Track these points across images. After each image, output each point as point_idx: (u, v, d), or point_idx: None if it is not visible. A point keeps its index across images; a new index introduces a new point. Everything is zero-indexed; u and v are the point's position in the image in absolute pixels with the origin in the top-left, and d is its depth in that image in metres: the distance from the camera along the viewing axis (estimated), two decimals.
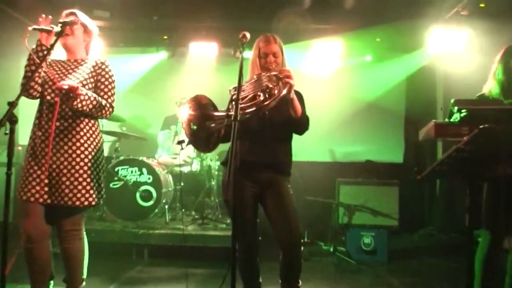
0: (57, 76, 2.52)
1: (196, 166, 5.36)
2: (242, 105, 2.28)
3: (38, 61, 2.36)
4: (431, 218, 6.06)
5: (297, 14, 5.23)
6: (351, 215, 4.91)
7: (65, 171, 2.48)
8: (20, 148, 5.65)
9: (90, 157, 2.56)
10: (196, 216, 5.17)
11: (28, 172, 2.48)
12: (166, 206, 4.86)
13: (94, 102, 2.49)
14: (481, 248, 2.65)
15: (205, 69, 6.35)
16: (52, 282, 2.65)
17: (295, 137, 2.69)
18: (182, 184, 5.01)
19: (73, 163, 2.49)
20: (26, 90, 2.43)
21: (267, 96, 2.31)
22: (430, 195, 6.25)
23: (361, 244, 4.68)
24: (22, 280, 2.84)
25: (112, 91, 2.65)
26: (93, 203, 2.57)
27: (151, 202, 4.62)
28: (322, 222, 5.26)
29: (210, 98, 2.45)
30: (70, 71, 2.58)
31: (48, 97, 2.51)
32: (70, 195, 2.47)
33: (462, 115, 2.20)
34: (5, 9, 5.32)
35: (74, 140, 2.52)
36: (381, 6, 5.15)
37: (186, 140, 3.26)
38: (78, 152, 2.51)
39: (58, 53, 2.65)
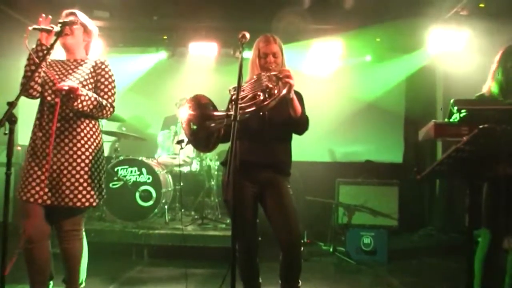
0: (57, 76, 2.52)
1: (195, 166, 5.37)
2: (242, 105, 2.28)
3: (38, 61, 2.36)
4: (431, 218, 6.06)
5: (297, 14, 5.23)
6: (351, 215, 4.91)
7: (65, 172, 2.47)
8: (19, 148, 5.65)
9: (90, 157, 2.55)
10: (196, 216, 5.18)
11: (28, 173, 2.48)
12: (166, 206, 4.86)
13: (95, 103, 2.49)
14: (481, 248, 2.65)
15: (205, 69, 6.35)
16: (51, 282, 2.64)
17: (295, 137, 2.68)
18: (181, 184, 5.00)
19: (74, 164, 2.49)
20: (25, 90, 2.43)
21: (267, 96, 2.31)
22: (430, 195, 6.25)
23: (360, 244, 4.68)
24: (21, 280, 2.84)
25: (113, 91, 2.65)
26: (94, 203, 2.57)
27: (150, 202, 4.62)
28: (322, 222, 5.25)
29: (209, 98, 2.44)
30: (70, 71, 2.57)
31: (49, 98, 2.51)
32: (71, 196, 2.47)
33: (461, 115, 2.20)
34: (5, 10, 5.32)
35: (74, 141, 2.52)
36: (381, 6, 5.15)
37: (186, 139, 3.26)
38: (79, 153, 2.51)
39: (58, 53, 2.65)
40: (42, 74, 2.50)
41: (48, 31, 2.42)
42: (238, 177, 2.09)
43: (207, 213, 5.21)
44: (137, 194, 4.61)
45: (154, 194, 4.62)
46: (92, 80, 2.59)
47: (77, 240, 2.59)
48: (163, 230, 4.54)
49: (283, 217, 2.52)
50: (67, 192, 2.46)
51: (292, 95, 2.40)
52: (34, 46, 2.44)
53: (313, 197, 5.27)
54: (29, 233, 2.43)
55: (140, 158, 4.75)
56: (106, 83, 2.62)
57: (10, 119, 2.07)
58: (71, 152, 2.50)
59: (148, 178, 4.64)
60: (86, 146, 2.55)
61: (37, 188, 2.45)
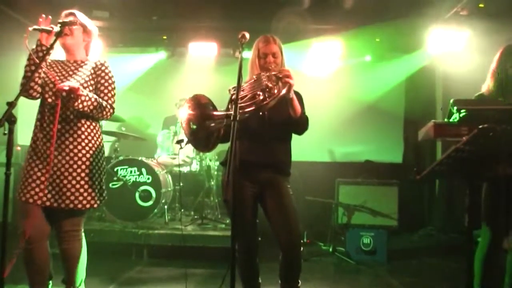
0: (57, 78, 2.51)
1: (195, 166, 5.36)
2: (242, 104, 2.28)
3: (37, 61, 2.36)
4: (431, 218, 6.07)
5: (297, 14, 5.23)
6: (350, 215, 4.91)
7: (66, 173, 2.47)
8: (19, 148, 5.65)
9: (91, 159, 2.55)
10: (196, 216, 5.18)
11: (28, 173, 2.47)
12: (166, 206, 4.86)
13: (95, 103, 2.49)
14: (480, 248, 2.65)
15: (205, 69, 6.36)
16: (51, 282, 2.64)
17: (295, 137, 2.68)
18: (181, 184, 5.00)
19: (75, 165, 2.49)
20: (25, 90, 2.43)
21: (266, 95, 2.31)
22: (430, 195, 6.25)
23: (360, 244, 4.68)
24: (21, 281, 2.84)
25: (113, 92, 2.64)
26: (95, 205, 2.57)
27: (150, 202, 4.61)
28: (322, 222, 5.26)
29: (209, 98, 2.44)
30: (70, 72, 2.57)
31: (49, 100, 2.51)
32: (72, 197, 2.47)
33: (461, 115, 2.20)
34: (4, 10, 5.32)
35: (75, 143, 2.51)
36: (381, 6, 5.15)
37: (185, 139, 3.26)
38: (80, 155, 2.51)
39: (58, 54, 2.65)
40: (43, 75, 2.50)
41: (48, 32, 2.42)
42: (238, 177, 2.08)
43: (206, 213, 5.21)
44: (137, 194, 4.61)
45: (153, 194, 4.61)
46: (92, 82, 2.59)
47: (77, 240, 2.58)
48: (162, 230, 4.54)
49: (283, 217, 2.51)
50: (68, 194, 2.46)
51: (292, 94, 2.40)
52: (34, 46, 2.44)
53: (313, 197, 5.28)
54: (28, 234, 2.42)
55: (139, 158, 4.75)
56: (106, 84, 2.62)
57: (10, 119, 2.07)
58: (72, 154, 2.49)
59: (148, 178, 4.64)
60: (87, 148, 2.54)
61: (37, 189, 2.44)
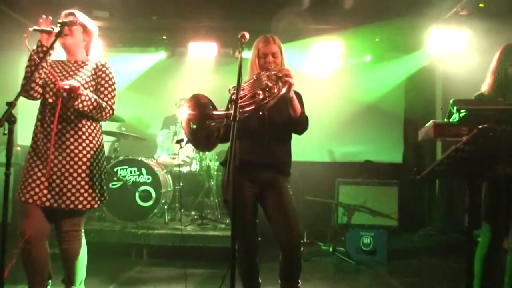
0: (58, 78, 2.51)
1: (195, 166, 5.36)
2: (242, 104, 2.28)
3: (38, 61, 2.35)
4: (431, 218, 6.07)
5: (297, 14, 5.23)
6: (350, 215, 4.91)
7: (67, 174, 2.47)
8: (19, 148, 5.65)
9: (92, 159, 2.55)
10: (196, 216, 5.18)
11: (28, 174, 2.47)
12: (166, 206, 4.86)
13: (95, 104, 2.49)
14: (480, 248, 2.65)
15: (204, 69, 6.36)
16: (50, 282, 2.64)
17: (294, 137, 2.68)
18: (181, 184, 5.00)
19: (75, 166, 2.49)
20: (26, 91, 2.43)
21: (266, 94, 2.31)
22: (430, 195, 6.25)
23: (360, 244, 4.68)
24: (21, 281, 2.83)
25: (113, 93, 2.64)
26: (96, 205, 2.57)
27: (150, 202, 4.61)
28: (322, 222, 5.26)
29: (209, 97, 2.44)
30: (71, 72, 2.57)
31: (50, 100, 2.50)
32: (73, 198, 2.46)
33: (461, 115, 2.20)
34: (4, 10, 5.31)
35: (76, 143, 2.51)
36: (381, 6, 5.14)
37: (185, 139, 3.25)
38: (81, 155, 2.51)
39: (59, 54, 2.65)
40: (43, 75, 2.50)
41: (49, 32, 2.42)
42: (238, 177, 2.08)
43: (206, 213, 5.21)
44: (137, 194, 4.61)
45: (153, 194, 4.61)
46: (93, 82, 2.58)
47: (77, 240, 2.58)
48: (162, 230, 4.53)
49: (283, 217, 2.51)
50: (69, 194, 2.46)
51: (292, 94, 2.40)
52: (34, 47, 2.44)
53: (313, 197, 5.28)
54: (27, 234, 2.42)
55: (139, 158, 4.75)
56: (107, 85, 2.62)
57: (9, 119, 2.07)
58: (72, 154, 2.49)
59: (148, 178, 4.64)
60: (88, 148, 2.54)
61: (37, 189, 2.44)
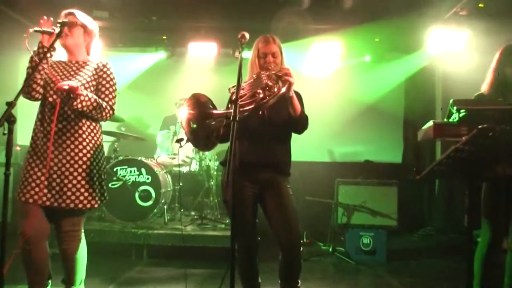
0: (58, 77, 2.51)
1: (195, 166, 5.36)
2: (241, 103, 2.27)
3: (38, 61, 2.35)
4: (430, 218, 6.07)
5: (297, 14, 5.23)
6: (350, 215, 4.91)
7: (67, 173, 2.47)
8: (18, 148, 5.65)
9: (92, 159, 2.55)
10: (195, 216, 5.18)
11: (28, 173, 2.47)
12: (165, 206, 4.86)
13: (95, 104, 2.49)
14: (480, 248, 2.65)
15: (204, 69, 6.36)
16: (50, 282, 2.64)
17: (294, 137, 2.68)
18: (181, 184, 5.00)
19: (75, 165, 2.49)
20: (28, 92, 2.43)
21: (266, 93, 2.31)
22: (429, 195, 6.26)
23: (360, 244, 4.68)
24: (21, 281, 2.83)
25: (113, 94, 2.64)
26: (96, 205, 2.57)
27: (150, 202, 4.61)
28: (321, 222, 5.25)
29: (208, 97, 2.44)
30: (72, 73, 2.57)
31: (50, 99, 2.50)
32: (73, 197, 2.47)
33: (461, 115, 2.20)
34: (4, 10, 5.31)
35: (76, 142, 2.51)
36: (380, 6, 5.14)
37: (185, 138, 3.25)
38: (81, 154, 2.51)
39: (61, 55, 2.65)
40: (44, 76, 2.49)
41: (50, 33, 2.42)
42: (237, 177, 2.08)
43: (206, 213, 5.21)
44: (137, 194, 4.61)
45: (153, 194, 4.61)
46: (94, 82, 2.58)
47: (77, 240, 2.58)
48: (162, 230, 4.53)
49: (283, 217, 2.51)
50: (69, 193, 2.46)
51: (292, 93, 2.40)
52: (34, 48, 2.43)
53: (312, 197, 5.28)
54: (27, 234, 2.42)
55: (139, 158, 4.74)
56: (108, 86, 2.62)
57: (9, 119, 2.07)
58: (72, 154, 2.49)
59: (148, 178, 4.64)
60: (88, 147, 2.54)
61: (37, 189, 2.44)
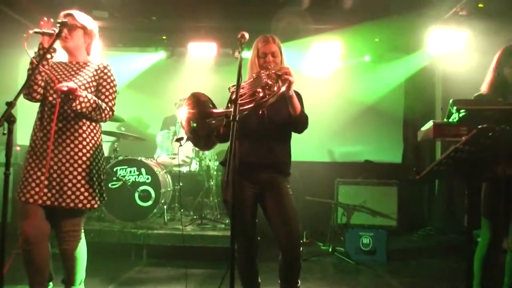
0: (59, 78, 2.51)
1: (194, 166, 5.36)
2: (241, 102, 2.27)
3: (39, 63, 2.35)
4: (430, 218, 6.07)
5: (296, 14, 5.23)
6: (350, 215, 4.91)
7: (67, 172, 2.47)
8: (18, 148, 5.65)
9: (92, 159, 2.55)
10: (195, 216, 5.17)
11: (28, 173, 2.47)
12: (165, 206, 4.86)
13: (94, 105, 2.49)
14: (480, 248, 2.65)
15: (204, 69, 6.36)
16: (51, 283, 2.64)
17: (294, 137, 2.68)
18: (180, 184, 5.00)
19: (75, 165, 2.49)
20: (28, 93, 2.44)
21: (266, 92, 2.30)
22: (429, 195, 6.26)
23: (360, 244, 4.68)
24: (21, 281, 2.84)
25: (113, 95, 2.64)
26: (96, 205, 2.57)
27: (149, 202, 4.61)
28: (321, 222, 5.26)
29: (208, 96, 2.44)
30: (73, 73, 2.57)
31: (50, 98, 2.50)
32: (73, 197, 2.47)
33: (461, 115, 2.20)
34: (4, 10, 5.31)
35: (76, 142, 2.51)
36: (380, 6, 5.15)
37: (185, 137, 3.25)
38: (80, 154, 2.51)
39: (61, 55, 2.65)
40: (45, 77, 2.49)
41: (50, 35, 2.41)
42: (237, 177, 2.08)
43: (206, 213, 5.21)
44: (136, 194, 4.61)
45: (153, 194, 4.61)
46: (94, 84, 2.58)
47: (77, 240, 2.58)
48: (162, 230, 4.53)
49: (283, 218, 2.51)
50: (69, 193, 2.46)
51: (292, 92, 2.40)
52: (34, 48, 2.43)
53: (312, 197, 5.28)
54: (28, 234, 2.42)
55: (139, 158, 4.74)
56: (108, 87, 2.62)
57: (9, 119, 2.06)
58: (72, 153, 2.49)
59: (147, 178, 4.64)
60: (88, 147, 2.54)
61: (37, 189, 2.44)
